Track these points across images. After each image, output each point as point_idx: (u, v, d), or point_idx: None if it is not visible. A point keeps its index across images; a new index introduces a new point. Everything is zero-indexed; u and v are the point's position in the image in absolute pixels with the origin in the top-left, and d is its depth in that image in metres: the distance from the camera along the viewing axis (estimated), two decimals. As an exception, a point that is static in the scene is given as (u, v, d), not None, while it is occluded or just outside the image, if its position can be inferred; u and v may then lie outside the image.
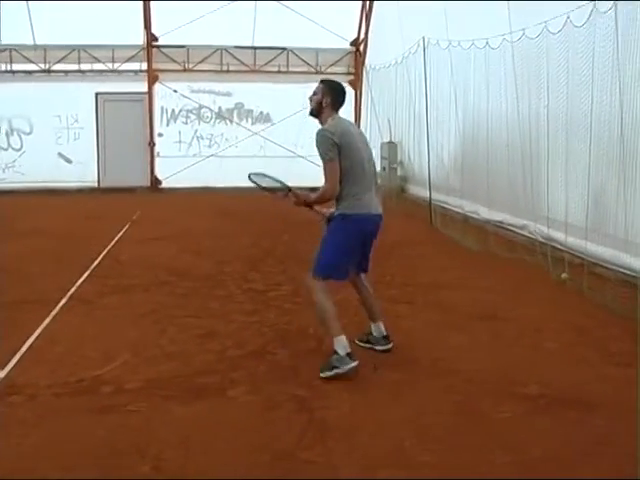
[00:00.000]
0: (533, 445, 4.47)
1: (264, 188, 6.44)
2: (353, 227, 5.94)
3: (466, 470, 4.19)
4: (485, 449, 4.43)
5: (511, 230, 12.02)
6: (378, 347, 6.38)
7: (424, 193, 15.59)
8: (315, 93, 6.13)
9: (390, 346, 6.38)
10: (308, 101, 6.18)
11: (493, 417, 4.95)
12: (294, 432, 4.66)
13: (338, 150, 5.80)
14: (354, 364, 5.70)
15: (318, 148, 5.89)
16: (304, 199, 6.13)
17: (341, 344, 5.74)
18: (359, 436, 4.62)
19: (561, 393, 5.37)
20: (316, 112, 6.12)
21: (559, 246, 9.88)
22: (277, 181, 6.37)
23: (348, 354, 5.73)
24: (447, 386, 5.55)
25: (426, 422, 4.86)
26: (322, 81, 6.25)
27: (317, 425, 4.78)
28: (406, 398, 5.32)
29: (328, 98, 6.05)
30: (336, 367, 5.69)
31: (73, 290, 8.66)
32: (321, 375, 5.70)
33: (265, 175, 6.43)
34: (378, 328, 6.42)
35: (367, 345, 6.43)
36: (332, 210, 6.08)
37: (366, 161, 6.05)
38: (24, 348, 6.40)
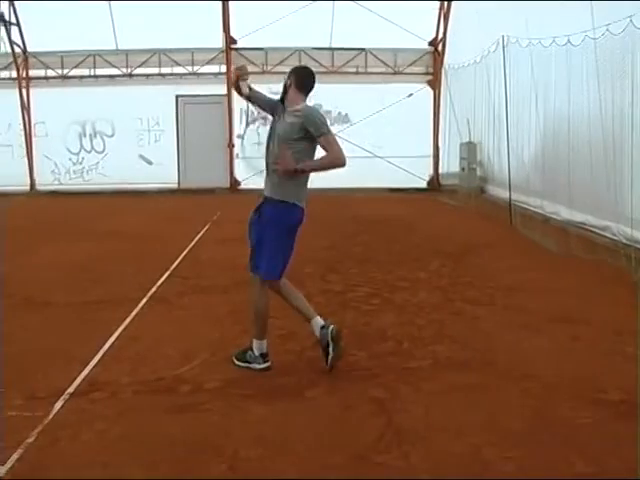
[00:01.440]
0: (612, 454, 4.35)
1: None
2: (294, 218, 6.15)
3: (544, 478, 4.10)
4: (564, 457, 4.32)
5: (593, 231, 11.78)
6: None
7: (504, 194, 15.40)
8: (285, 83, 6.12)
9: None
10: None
11: (572, 423, 4.82)
12: (371, 434, 4.63)
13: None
14: (266, 365, 5.99)
15: (316, 121, 5.86)
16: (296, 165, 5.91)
17: (260, 346, 6.03)
18: (436, 440, 4.56)
19: (643, 399, 5.23)
20: (282, 95, 6.11)
21: (644, 247, 9.65)
22: None
23: (262, 354, 6.01)
24: (525, 390, 5.45)
25: (503, 427, 4.77)
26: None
27: (394, 428, 4.73)
28: (483, 402, 5.23)
29: (292, 77, 6.04)
30: (249, 362, 6.01)
31: (153, 290, 8.79)
32: (234, 360, 6.08)
33: None
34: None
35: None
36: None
37: None
38: (106, 346, 6.52)
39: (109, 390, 5.44)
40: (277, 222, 6.04)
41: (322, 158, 6.00)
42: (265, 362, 6.00)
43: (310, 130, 5.81)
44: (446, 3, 20.98)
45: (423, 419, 4.92)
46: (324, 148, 5.91)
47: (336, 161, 5.96)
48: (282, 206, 6.00)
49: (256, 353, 6.02)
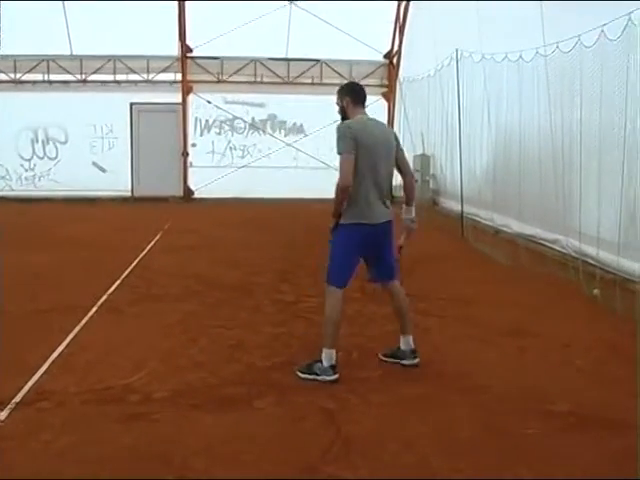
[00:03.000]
0: (559, 465, 4.42)
1: None
2: (351, 235, 5.98)
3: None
4: (511, 468, 4.38)
5: (543, 244, 11.93)
6: (405, 362, 6.32)
7: (456, 206, 15.55)
8: (337, 104, 6.24)
9: (417, 361, 6.33)
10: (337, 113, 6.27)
11: (520, 434, 4.89)
12: (320, 445, 4.64)
13: (354, 145, 5.81)
14: (334, 377, 5.89)
15: (337, 139, 5.89)
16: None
17: (329, 356, 5.94)
18: (384, 452, 4.59)
19: (591, 411, 5.29)
20: (343, 116, 6.17)
21: (591, 261, 9.78)
22: None
23: (332, 366, 5.92)
24: (474, 402, 5.50)
25: (452, 437, 4.82)
26: (338, 90, 6.31)
27: (343, 439, 4.75)
28: (433, 413, 5.27)
29: (347, 97, 6.15)
30: (316, 374, 5.89)
31: (104, 298, 8.72)
32: (298, 372, 5.98)
33: None
34: (407, 341, 6.37)
35: (392, 360, 6.40)
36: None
37: (381, 165, 6.01)
38: (55, 355, 6.47)
39: (57, 399, 5.39)
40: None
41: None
42: (335, 374, 5.91)
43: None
44: (402, 16, 21.11)
45: (372, 430, 4.94)
46: None
47: (336, 190, 5.91)
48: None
49: (325, 365, 5.92)
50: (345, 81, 21.06)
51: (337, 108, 6.23)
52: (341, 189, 5.83)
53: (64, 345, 6.76)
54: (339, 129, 5.92)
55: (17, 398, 5.35)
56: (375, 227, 6.01)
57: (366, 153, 5.86)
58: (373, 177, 5.93)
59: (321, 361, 5.93)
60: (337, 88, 6.36)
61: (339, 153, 5.85)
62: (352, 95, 6.18)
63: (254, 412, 5.26)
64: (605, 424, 5.05)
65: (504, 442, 4.77)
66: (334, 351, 5.97)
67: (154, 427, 4.93)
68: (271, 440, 4.76)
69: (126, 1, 19.06)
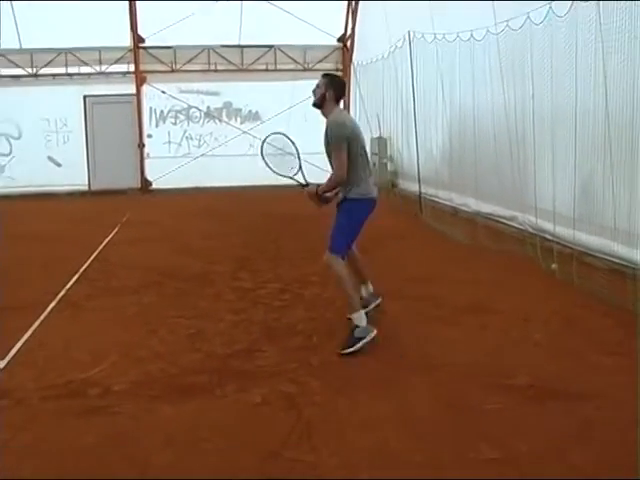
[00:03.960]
0: (521, 438, 4.46)
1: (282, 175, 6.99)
2: (361, 208, 6.59)
3: (451, 467, 4.17)
4: (472, 444, 4.42)
5: (500, 222, 12.02)
6: (371, 305, 7.01)
7: (414, 187, 15.61)
8: (318, 86, 6.66)
9: (380, 300, 7.18)
10: (312, 94, 6.70)
11: (481, 409, 4.94)
12: (281, 431, 4.65)
13: (347, 141, 6.38)
14: (375, 332, 6.31)
15: (332, 137, 6.44)
16: (316, 190, 6.58)
17: (361, 317, 6.35)
18: (345, 434, 4.61)
19: (550, 384, 5.37)
20: (319, 104, 6.64)
21: (548, 236, 9.87)
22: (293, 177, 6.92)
23: (367, 324, 6.35)
24: (435, 380, 5.54)
25: (413, 417, 4.86)
26: (324, 75, 6.80)
27: (304, 423, 4.77)
28: (394, 394, 5.30)
29: (331, 91, 6.58)
30: (362, 338, 6.22)
31: (62, 293, 8.65)
32: (344, 352, 6.15)
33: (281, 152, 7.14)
34: (367, 288, 7.15)
35: None
36: (340, 195, 6.63)
37: (365, 147, 6.71)
38: (12, 352, 6.39)
39: (16, 397, 5.34)
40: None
41: (329, 177, 6.56)
42: (374, 329, 6.35)
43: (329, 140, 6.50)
44: (354, 1, 21.10)
45: (334, 413, 4.96)
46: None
47: (336, 180, 6.49)
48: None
49: (363, 324, 6.32)
50: (299, 67, 21.41)
51: (316, 92, 6.64)
52: (340, 182, 6.48)
53: (22, 342, 6.68)
54: (338, 125, 6.45)
55: (-26, 398, 5.29)
56: (375, 201, 6.66)
57: (358, 142, 6.54)
58: (366, 160, 6.64)
59: (357, 326, 6.29)
60: (324, 73, 6.89)
61: (337, 148, 6.38)
62: (339, 91, 6.67)
63: (215, 400, 5.25)
64: (564, 396, 5.12)
65: (465, 418, 4.81)
66: (362, 311, 6.44)
67: (115, 421, 4.90)
68: (233, 428, 4.75)
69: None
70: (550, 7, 9.29)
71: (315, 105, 6.68)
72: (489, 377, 5.57)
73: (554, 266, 8.93)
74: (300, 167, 6.91)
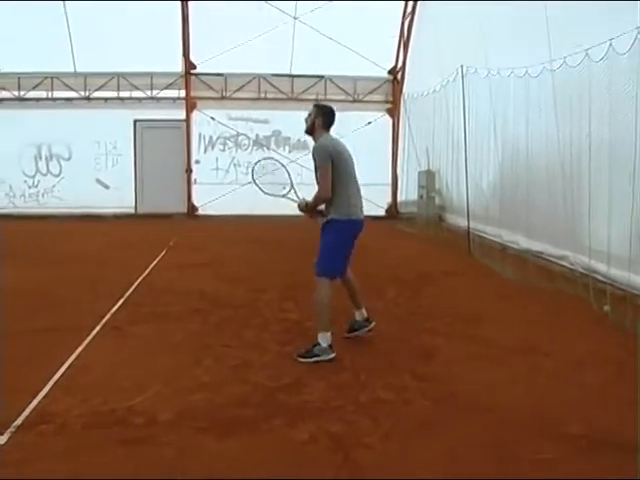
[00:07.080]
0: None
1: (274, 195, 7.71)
2: (344, 229, 7.03)
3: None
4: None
5: (551, 260, 11.80)
6: (363, 330, 7.60)
7: (462, 222, 15.44)
8: (309, 115, 7.23)
9: (372, 325, 7.64)
10: (304, 122, 7.27)
11: (532, 459, 4.74)
12: (328, 472, 4.51)
13: (332, 161, 6.87)
14: (333, 355, 6.82)
15: (316, 157, 6.94)
16: (306, 204, 7.17)
17: (325, 338, 6.85)
18: (394, 477, 4.46)
19: (604, 433, 5.14)
20: (310, 131, 7.22)
21: (601, 277, 9.67)
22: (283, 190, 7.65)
23: (330, 346, 6.85)
24: (484, 423, 5.36)
25: (462, 462, 4.68)
26: (315, 105, 7.42)
27: (351, 465, 4.62)
28: (441, 435, 5.13)
29: (320, 119, 7.16)
30: (318, 356, 6.77)
31: (107, 317, 8.60)
32: (300, 359, 6.79)
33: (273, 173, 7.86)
34: (361, 313, 7.63)
35: (353, 334, 7.61)
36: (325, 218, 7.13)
37: (353, 171, 7.17)
38: (56, 376, 6.33)
39: (58, 422, 5.26)
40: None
41: (314, 195, 7.06)
42: (332, 352, 6.84)
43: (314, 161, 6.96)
44: (406, 31, 21.10)
45: (381, 455, 4.80)
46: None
47: (319, 195, 6.99)
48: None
49: (324, 345, 6.82)
50: (349, 98, 21.45)
51: (307, 120, 7.22)
52: (324, 198, 6.97)
53: (66, 366, 6.63)
54: (320, 147, 6.98)
55: (18, 421, 5.22)
56: (360, 223, 7.11)
57: (345, 164, 7.03)
58: (354, 182, 7.14)
59: (319, 344, 6.82)
60: (315, 103, 7.56)
61: (319, 166, 6.91)
62: (327, 120, 7.20)
63: (261, 435, 5.12)
64: (618, 447, 4.90)
65: (515, 469, 4.61)
66: (329, 333, 6.88)
67: (159, 452, 4.79)
68: (278, 466, 4.62)
69: (129, 16, 19.12)
70: (610, 44, 9.13)
71: (307, 132, 7.26)
72: (540, 423, 5.36)
73: (607, 308, 8.73)
74: (292, 185, 7.58)
